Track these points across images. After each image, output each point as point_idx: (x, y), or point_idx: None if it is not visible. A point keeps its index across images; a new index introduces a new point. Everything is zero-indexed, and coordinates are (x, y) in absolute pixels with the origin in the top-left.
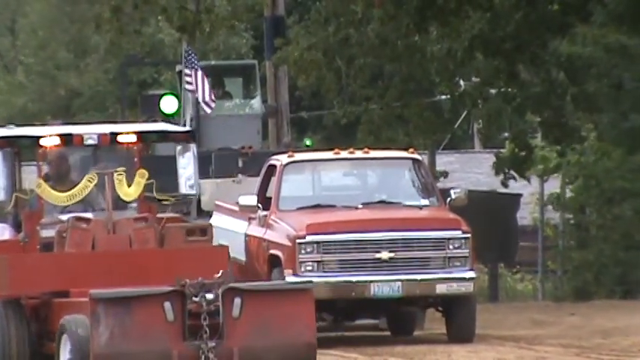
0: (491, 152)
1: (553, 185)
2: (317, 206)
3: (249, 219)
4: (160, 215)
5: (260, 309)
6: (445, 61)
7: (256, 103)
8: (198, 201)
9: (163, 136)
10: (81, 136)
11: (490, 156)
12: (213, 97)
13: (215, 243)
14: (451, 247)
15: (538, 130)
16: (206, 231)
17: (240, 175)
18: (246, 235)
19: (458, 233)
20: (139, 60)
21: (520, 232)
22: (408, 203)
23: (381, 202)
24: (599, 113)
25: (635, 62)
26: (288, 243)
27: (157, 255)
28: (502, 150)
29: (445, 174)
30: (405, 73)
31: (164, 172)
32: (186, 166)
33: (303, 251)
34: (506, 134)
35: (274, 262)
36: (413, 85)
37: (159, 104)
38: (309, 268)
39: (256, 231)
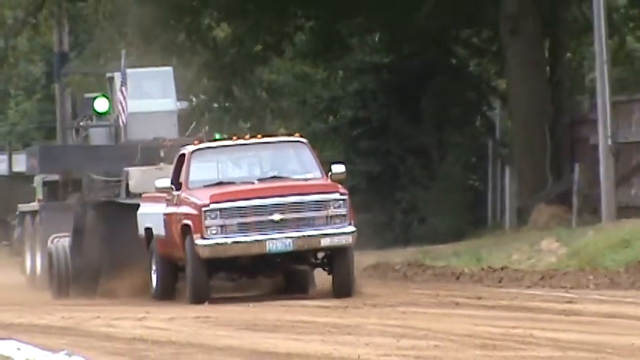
0: None
1: None
2: (220, 183)
3: (167, 201)
4: None
5: None
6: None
7: (171, 101)
8: (127, 185)
9: None
10: None
11: None
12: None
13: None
14: (331, 207)
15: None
16: None
17: (161, 164)
18: (164, 214)
19: (336, 195)
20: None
21: None
22: (295, 177)
23: (274, 177)
24: (291, 121)
25: (315, 85)
26: (195, 212)
27: None
28: None
29: None
30: None
31: None
32: None
33: (208, 218)
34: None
35: (186, 230)
36: None
37: (93, 104)
38: (214, 231)
39: (172, 209)
